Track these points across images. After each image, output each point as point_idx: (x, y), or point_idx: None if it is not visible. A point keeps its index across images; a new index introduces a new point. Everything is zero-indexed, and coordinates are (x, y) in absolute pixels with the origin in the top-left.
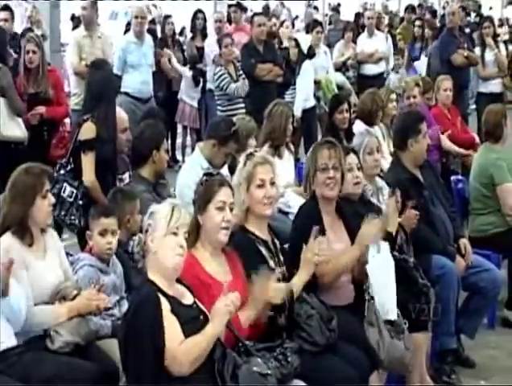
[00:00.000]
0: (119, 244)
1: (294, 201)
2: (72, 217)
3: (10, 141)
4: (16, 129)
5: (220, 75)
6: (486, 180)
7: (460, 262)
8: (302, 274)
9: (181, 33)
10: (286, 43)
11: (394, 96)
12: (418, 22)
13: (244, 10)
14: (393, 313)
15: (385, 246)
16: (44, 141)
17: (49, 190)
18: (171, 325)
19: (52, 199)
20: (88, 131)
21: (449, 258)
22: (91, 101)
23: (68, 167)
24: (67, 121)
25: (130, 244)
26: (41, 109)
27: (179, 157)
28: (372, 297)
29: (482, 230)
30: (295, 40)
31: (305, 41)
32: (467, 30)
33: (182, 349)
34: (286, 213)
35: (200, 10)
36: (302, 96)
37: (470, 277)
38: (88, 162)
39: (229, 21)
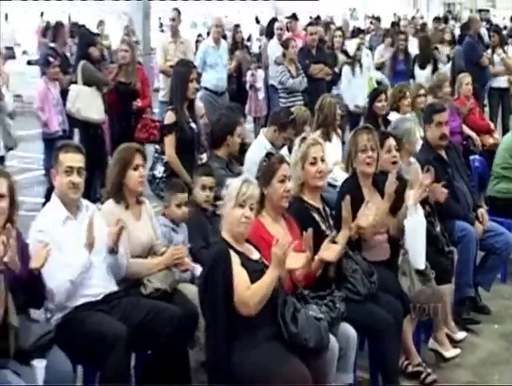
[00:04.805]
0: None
1: (340, 176)
2: (160, 189)
3: (88, 122)
4: (95, 114)
5: (282, 72)
6: None
7: (478, 227)
8: (343, 233)
9: (248, 39)
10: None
11: (422, 91)
12: (402, 36)
13: (297, 19)
14: (422, 263)
15: (420, 209)
16: (132, 125)
17: (143, 166)
18: (240, 275)
19: (143, 172)
20: (168, 118)
21: (469, 223)
22: (172, 94)
23: (160, 150)
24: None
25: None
26: (139, 102)
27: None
28: (406, 252)
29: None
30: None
31: (352, 45)
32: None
33: (249, 293)
34: (334, 186)
35: (275, 19)
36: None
37: (487, 240)
38: (168, 142)
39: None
